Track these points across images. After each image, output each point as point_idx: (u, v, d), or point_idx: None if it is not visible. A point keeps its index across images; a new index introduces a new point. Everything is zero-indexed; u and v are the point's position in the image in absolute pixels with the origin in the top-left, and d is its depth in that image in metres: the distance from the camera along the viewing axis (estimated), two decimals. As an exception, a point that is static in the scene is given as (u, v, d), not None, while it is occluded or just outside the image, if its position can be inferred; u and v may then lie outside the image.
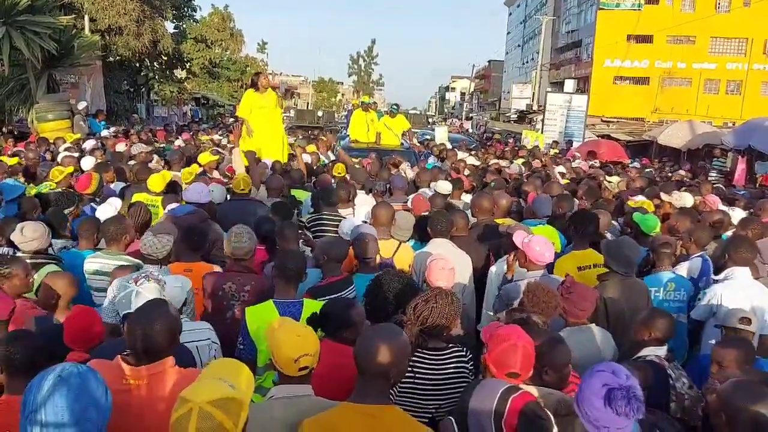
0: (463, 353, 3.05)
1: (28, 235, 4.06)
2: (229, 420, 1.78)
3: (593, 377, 2.10)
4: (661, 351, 3.26)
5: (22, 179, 7.08)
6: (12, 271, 3.52)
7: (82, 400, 1.82)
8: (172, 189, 6.13)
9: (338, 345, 2.93)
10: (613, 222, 6.31)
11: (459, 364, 3.01)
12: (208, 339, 3.25)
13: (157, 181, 6.20)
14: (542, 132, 23.33)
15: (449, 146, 14.11)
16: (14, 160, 7.83)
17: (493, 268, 4.66)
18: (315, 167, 9.38)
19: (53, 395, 1.79)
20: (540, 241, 4.18)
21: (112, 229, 4.29)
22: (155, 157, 9.03)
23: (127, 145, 10.61)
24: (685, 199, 7.27)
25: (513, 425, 2.03)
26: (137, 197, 5.95)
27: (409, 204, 6.21)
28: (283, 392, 2.47)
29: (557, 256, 5.06)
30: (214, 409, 1.77)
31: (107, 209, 5.29)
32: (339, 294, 3.75)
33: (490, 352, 2.51)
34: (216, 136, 15.34)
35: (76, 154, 8.53)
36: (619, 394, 1.98)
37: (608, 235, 5.56)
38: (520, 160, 12.29)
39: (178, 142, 12.70)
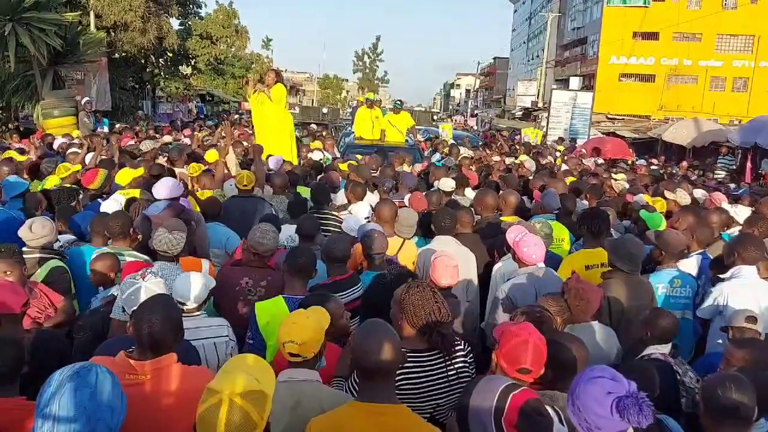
0: (464, 350, 2.99)
1: (37, 231, 4.07)
2: (257, 412, 1.81)
3: (591, 384, 2.05)
4: (665, 349, 3.25)
5: (25, 176, 7.08)
6: None
7: (96, 399, 1.84)
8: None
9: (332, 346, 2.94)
10: (623, 223, 6.32)
11: (462, 359, 2.96)
12: (226, 336, 3.27)
13: (125, 176, 6.17)
14: (546, 129, 23.30)
15: (451, 143, 14.09)
16: (24, 158, 7.86)
17: (497, 266, 4.66)
18: (323, 164, 9.38)
19: (68, 391, 1.81)
20: (529, 241, 4.17)
21: (116, 225, 4.30)
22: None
23: (135, 141, 10.61)
24: (687, 196, 7.26)
25: (513, 422, 2.02)
26: (132, 193, 5.94)
27: (405, 201, 6.18)
28: (287, 376, 2.52)
29: (560, 256, 5.07)
30: (244, 401, 1.80)
31: (112, 204, 5.28)
32: (344, 293, 3.72)
33: (501, 348, 2.50)
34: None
35: (82, 151, 8.53)
36: (629, 402, 1.94)
37: (613, 233, 5.55)
38: (523, 157, 12.25)
39: (182, 139, 12.70)
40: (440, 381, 2.85)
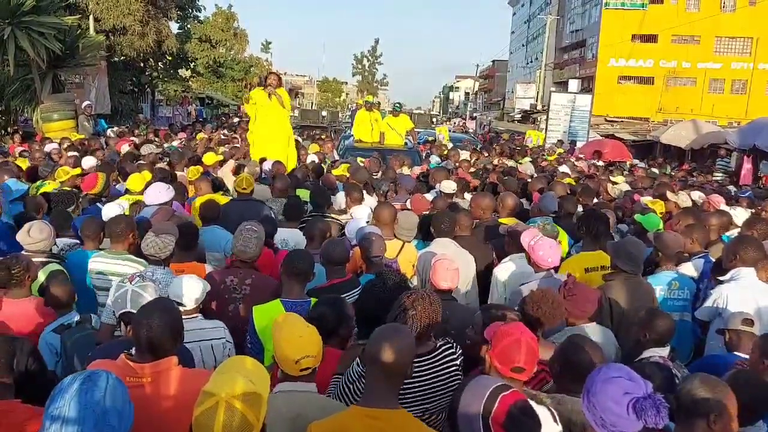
0: (453, 350, 2.97)
1: (35, 236, 4.08)
2: (253, 414, 1.82)
3: (608, 383, 2.08)
4: (664, 352, 3.25)
5: (23, 179, 7.08)
6: None
7: (106, 404, 1.85)
8: (178, 189, 6.09)
9: (329, 350, 2.92)
10: (619, 226, 6.33)
11: (450, 364, 2.92)
12: (223, 338, 3.29)
13: (137, 181, 6.17)
14: (546, 132, 23.35)
15: (450, 146, 14.13)
16: (25, 163, 7.87)
17: (497, 269, 4.65)
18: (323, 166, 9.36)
19: (78, 394, 1.82)
20: (545, 245, 4.16)
21: (114, 229, 4.31)
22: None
23: (130, 145, 10.60)
24: (688, 198, 7.29)
25: (500, 422, 2.03)
26: (139, 198, 5.94)
27: (407, 204, 6.19)
28: (286, 388, 2.50)
29: (566, 255, 5.07)
30: (240, 403, 1.80)
31: (114, 209, 5.28)
32: (343, 296, 3.68)
33: (494, 348, 2.50)
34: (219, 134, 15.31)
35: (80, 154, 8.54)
36: (648, 404, 1.97)
37: (615, 236, 5.57)
38: (525, 160, 12.28)
39: (177, 142, 12.68)
40: (426, 387, 2.83)
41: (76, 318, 3.56)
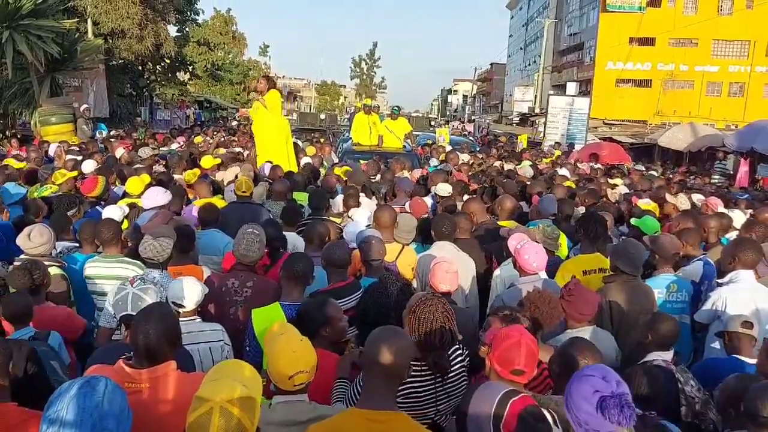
0: (461, 351, 3.01)
1: (36, 240, 4.06)
2: (248, 418, 1.82)
3: (582, 382, 2.09)
4: (668, 355, 3.25)
5: (22, 182, 7.07)
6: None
7: (104, 408, 1.85)
8: (177, 193, 6.07)
9: (322, 353, 2.89)
10: (621, 230, 6.35)
11: (460, 365, 2.98)
12: (221, 340, 3.29)
13: (135, 184, 6.15)
14: (544, 135, 23.41)
15: (449, 148, 14.13)
16: (23, 165, 7.86)
17: (497, 272, 4.65)
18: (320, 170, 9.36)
19: (76, 398, 1.82)
20: (531, 249, 4.16)
21: (105, 233, 4.30)
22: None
23: (126, 149, 10.60)
24: (687, 201, 7.31)
25: (512, 428, 2.03)
26: (136, 201, 5.93)
27: (407, 207, 6.18)
28: (281, 400, 2.47)
29: (563, 259, 5.07)
30: (235, 408, 1.80)
31: (115, 212, 5.27)
32: (344, 299, 3.68)
33: (494, 351, 2.51)
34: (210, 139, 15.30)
35: (79, 158, 8.53)
36: (612, 402, 1.98)
37: (615, 240, 5.57)
38: (526, 162, 12.28)
39: (175, 146, 12.68)
40: (439, 388, 2.87)
41: (30, 334, 3.25)
